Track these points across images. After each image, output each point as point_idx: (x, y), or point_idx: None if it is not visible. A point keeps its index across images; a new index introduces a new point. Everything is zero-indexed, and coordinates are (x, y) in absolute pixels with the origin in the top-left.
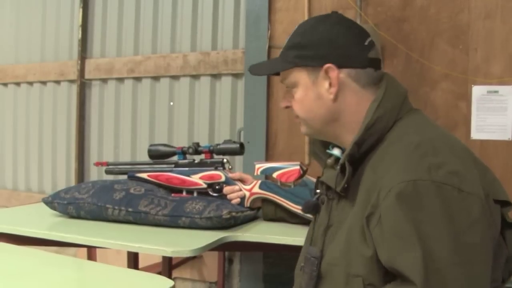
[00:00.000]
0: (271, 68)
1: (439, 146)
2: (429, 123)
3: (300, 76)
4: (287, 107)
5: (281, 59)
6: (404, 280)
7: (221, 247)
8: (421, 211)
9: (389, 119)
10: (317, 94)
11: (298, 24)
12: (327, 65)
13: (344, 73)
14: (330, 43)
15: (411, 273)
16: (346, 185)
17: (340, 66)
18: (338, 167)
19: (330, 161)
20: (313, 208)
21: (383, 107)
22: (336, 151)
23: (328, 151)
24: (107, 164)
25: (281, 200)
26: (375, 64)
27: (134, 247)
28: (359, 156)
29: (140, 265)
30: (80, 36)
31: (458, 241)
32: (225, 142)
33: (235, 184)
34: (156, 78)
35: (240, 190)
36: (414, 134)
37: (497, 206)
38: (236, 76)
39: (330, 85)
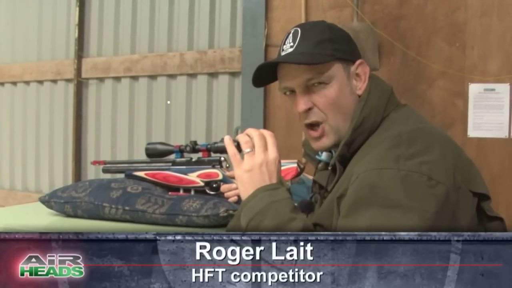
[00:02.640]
0: (313, 58)
1: (416, 137)
2: (414, 116)
3: (338, 70)
4: (309, 109)
5: (319, 51)
6: None
7: None
8: (383, 190)
9: (376, 117)
10: (350, 89)
11: (296, 26)
12: (360, 60)
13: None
14: (351, 39)
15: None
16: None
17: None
18: (330, 167)
19: (320, 165)
20: (307, 207)
21: (369, 106)
22: (324, 156)
23: (317, 157)
24: (104, 162)
25: None
26: None
27: None
28: (349, 155)
29: None
30: (76, 35)
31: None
32: (223, 140)
33: (232, 183)
34: (153, 77)
35: (237, 188)
36: (397, 126)
37: (474, 199)
38: (233, 74)
39: (358, 80)
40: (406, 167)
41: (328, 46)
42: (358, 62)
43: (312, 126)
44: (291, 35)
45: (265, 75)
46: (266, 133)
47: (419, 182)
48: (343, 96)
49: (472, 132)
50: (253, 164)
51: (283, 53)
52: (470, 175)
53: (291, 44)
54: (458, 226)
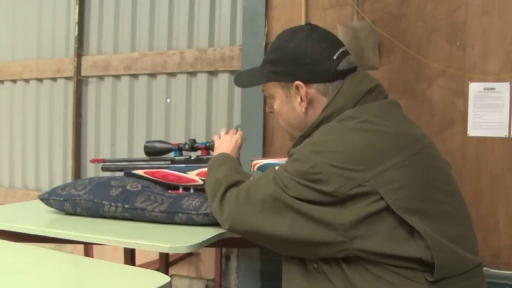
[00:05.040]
0: (250, 82)
1: (332, 131)
2: (365, 114)
3: (276, 90)
4: (271, 112)
5: (260, 72)
6: None
7: (218, 243)
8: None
9: (338, 115)
10: (291, 106)
11: (277, 35)
12: (297, 82)
13: (313, 88)
14: (298, 60)
15: None
16: None
17: (308, 81)
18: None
19: None
20: None
21: (331, 107)
22: None
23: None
24: (104, 161)
25: None
26: (346, 75)
27: (130, 243)
28: None
29: (137, 262)
30: (76, 33)
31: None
32: None
33: None
34: (152, 75)
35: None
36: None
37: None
38: (233, 73)
39: (301, 99)
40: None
41: (266, 68)
42: (294, 84)
43: None
44: None
45: None
46: (238, 131)
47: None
48: (284, 112)
49: (472, 131)
50: (223, 138)
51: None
52: (388, 183)
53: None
54: None
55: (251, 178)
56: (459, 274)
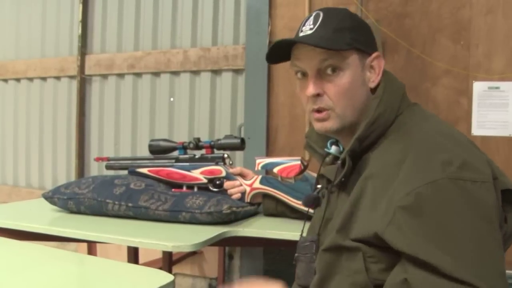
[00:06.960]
0: (333, 44)
1: (441, 140)
2: (429, 117)
3: (353, 60)
4: (318, 95)
5: (333, 39)
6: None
7: (221, 242)
8: (442, 208)
9: (390, 114)
10: (362, 80)
11: (320, 9)
12: (377, 52)
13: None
14: (371, 31)
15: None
16: (343, 179)
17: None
18: (339, 161)
19: (328, 159)
20: (314, 201)
21: (384, 103)
22: (333, 150)
23: (326, 150)
24: (108, 159)
25: (281, 195)
26: None
27: (134, 242)
28: (360, 151)
29: (140, 261)
30: (80, 31)
31: (481, 231)
32: (226, 137)
33: (235, 179)
34: (156, 74)
35: (241, 185)
36: (417, 132)
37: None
38: (237, 71)
39: (372, 73)
40: (453, 174)
41: (346, 34)
42: (374, 54)
43: (319, 110)
44: (312, 17)
45: (280, 52)
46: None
47: (467, 188)
48: (354, 87)
49: (476, 131)
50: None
51: (301, 34)
52: (495, 167)
53: (311, 26)
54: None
55: (256, 176)
56: None
